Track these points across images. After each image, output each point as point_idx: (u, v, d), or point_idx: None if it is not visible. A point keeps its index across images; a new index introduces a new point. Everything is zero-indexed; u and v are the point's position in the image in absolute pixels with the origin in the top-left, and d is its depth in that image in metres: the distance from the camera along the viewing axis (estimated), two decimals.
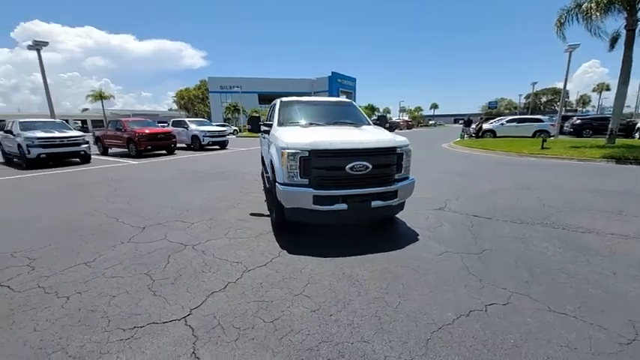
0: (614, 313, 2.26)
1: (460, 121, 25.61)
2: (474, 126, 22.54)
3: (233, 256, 3.31)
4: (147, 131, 13.52)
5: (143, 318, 2.25)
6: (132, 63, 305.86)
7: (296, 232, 3.89)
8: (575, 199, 5.39)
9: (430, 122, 77.85)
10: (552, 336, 2.02)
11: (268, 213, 4.72)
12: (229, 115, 46.31)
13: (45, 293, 2.62)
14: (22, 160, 10.67)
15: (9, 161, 12.03)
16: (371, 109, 59.55)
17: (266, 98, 47.76)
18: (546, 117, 23.55)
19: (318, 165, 3.33)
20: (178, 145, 15.68)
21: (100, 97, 48.23)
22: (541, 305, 2.36)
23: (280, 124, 4.63)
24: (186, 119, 17.92)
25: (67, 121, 15.24)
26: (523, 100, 68.72)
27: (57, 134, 10.92)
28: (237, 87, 44.44)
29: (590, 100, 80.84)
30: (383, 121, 6.20)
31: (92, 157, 12.21)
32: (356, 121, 4.81)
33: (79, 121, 60.30)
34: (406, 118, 65.18)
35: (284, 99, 5.40)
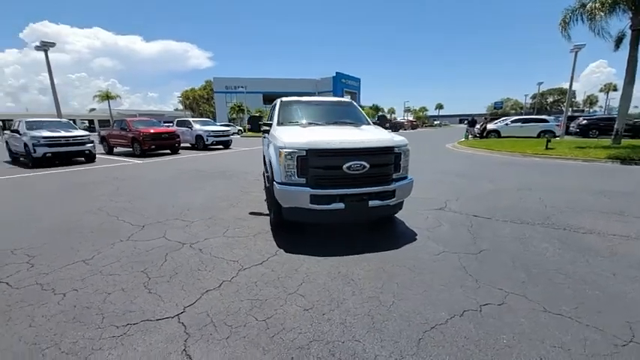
0: (611, 315, 2.23)
1: (465, 122, 25.43)
2: (478, 126, 22.38)
3: (230, 254, 3.32)
4: (151, 131, 13.63)
5: (137, 315, 2.27)
6: (139, 64, 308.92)
7: (294, 231, 3.89)
8: (577, 200, 5.32)
9: (435, 122, 77.54)
10: (546, 337, 1.99)
11: (268, 212, 4.73)
12: (234, 115, 46.52)
13: (42, 290, 2.65)
14: (28, 159, 10.82)
15: (16, 160, 12.21)
16: (375, 109, 59.48)
17: (270, 98, 47.66)
18: (552, 117, 23.32)
19: (316, 164, 3.33)
20: (182, 144, 15.80)
21: (107, 97, 48.73)
22: (536, 306, 2.33)
23: (279, 123, 4.64)
24: (191, 119, 18.05)
25: (74, 121, 15.45)
26: (529, 101, 68.08)
27: (62, 134, 11.06)
28: (242, 87, 44.69)
29: (597, 101, 79.88)
30: (383, 121, 6.19)
31: (97, 156, 12.35)
32: (355, 121, 4.80)
33: (87, 121, 61.07)
34: (410, 119, 64.90)
35: (284, 99, 5.41)
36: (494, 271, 2.89)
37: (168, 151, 14.53)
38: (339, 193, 3.33)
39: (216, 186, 6.93)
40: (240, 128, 38.48)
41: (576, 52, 17.93)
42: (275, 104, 5.50)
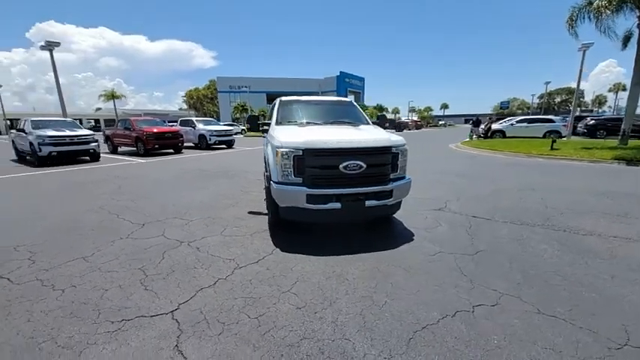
0: (606, 317, 2.21)
1: (470, 122, 25.23)
2: (482, 126, 22.19)
3: (226, 253, 3.35)
4: (154, 130, 13.74)
5: (132, 311, 2.30)
6: (144, 63, 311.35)
7: (292, 230, 3.91)
8: (579, 201, 5.26)
9: (440, 122, 77.05)
10: (538, 338, 1.98)
11: (266, 211, 4.75)
12: (237, 115, 46.74)
13: (42, 286, 2.70)
14: (33, 158, 10.99)
15: (22, 159, 12.40)
16: (379, 109, 59.25)
17: (274, 98, 47.04)
18: (559, 117, 23.04)
19: (312, 164, 3.34)
20: (186, 144, 15.91)
21: (112, 96, 49.28)
22: (530, 307, 2.32)
23: (278, 123, 4.65)
24: (194, 118, 18.16)
25: (80, 120, 15.68)
26: (536, 100, 67.38)
27: (67, 133, 11.21)
28: (246, 87, 44.86)
29: (606, 101, 78.81)
30: (382, 121, 6.18)
31: (101, 155, 12.50)
32: (354, 121, 4.80)
33: (92, 120, 61.80)
34: (415, 118, 64.63)
35: (283, 98, 5.43)
36: (490, 272, 2.87)
37: (172, 151, 14.65)
38: (335, 193, 3.34)
39: (218, 185, 6.98)
40: (244, 128, 38.60)
41: (584, 51, 17.72)
42: (274, 104, 5.52)
